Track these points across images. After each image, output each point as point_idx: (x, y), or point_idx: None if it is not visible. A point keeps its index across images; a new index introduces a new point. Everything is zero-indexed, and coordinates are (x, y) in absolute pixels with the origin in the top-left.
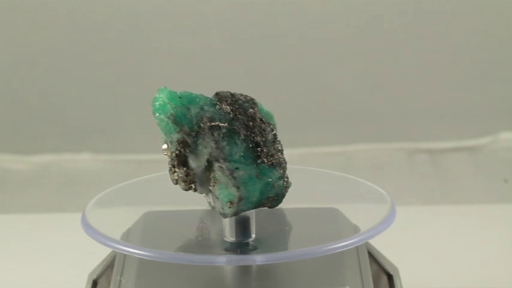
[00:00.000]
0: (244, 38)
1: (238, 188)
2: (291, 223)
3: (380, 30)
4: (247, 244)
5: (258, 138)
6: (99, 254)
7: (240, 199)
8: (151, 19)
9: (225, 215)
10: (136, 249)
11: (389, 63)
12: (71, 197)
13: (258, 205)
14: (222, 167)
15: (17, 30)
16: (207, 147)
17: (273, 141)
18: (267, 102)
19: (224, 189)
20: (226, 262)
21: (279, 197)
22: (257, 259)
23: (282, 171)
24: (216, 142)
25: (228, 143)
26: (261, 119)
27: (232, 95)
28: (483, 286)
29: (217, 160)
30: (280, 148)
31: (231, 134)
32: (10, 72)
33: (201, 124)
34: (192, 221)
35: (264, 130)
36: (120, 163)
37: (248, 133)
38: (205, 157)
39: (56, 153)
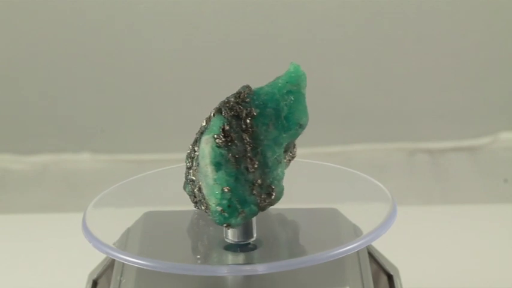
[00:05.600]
0: (243, 38)
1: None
2: (291, 223)
3: (380, 30)
4: (248, 245)
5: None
6: (99, 254)
7: None
8: (151, 19)
9: None
10: (139, 259)
11: (389, 63)
12: (71, 197)
13: None
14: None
15: (17, 30)
16: None
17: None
18: None
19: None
20: (227, 272)
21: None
22: (259, 269)
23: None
24: None
25: None
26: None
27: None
28: (483, 286)
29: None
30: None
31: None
32: (10, 72)
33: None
34: (193, 221)
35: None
36: (120, 163)
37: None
38: None
39: (56, 153)
